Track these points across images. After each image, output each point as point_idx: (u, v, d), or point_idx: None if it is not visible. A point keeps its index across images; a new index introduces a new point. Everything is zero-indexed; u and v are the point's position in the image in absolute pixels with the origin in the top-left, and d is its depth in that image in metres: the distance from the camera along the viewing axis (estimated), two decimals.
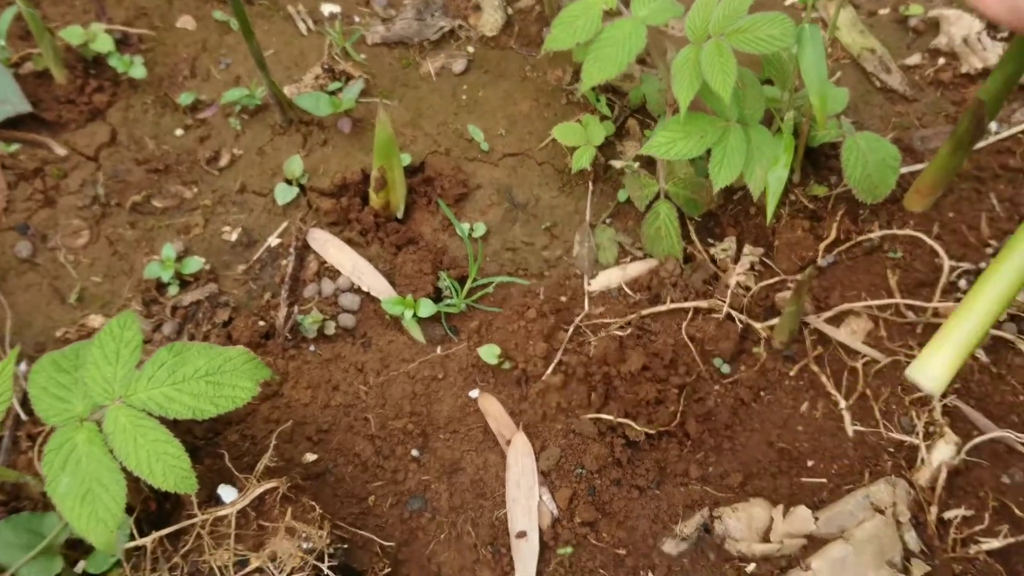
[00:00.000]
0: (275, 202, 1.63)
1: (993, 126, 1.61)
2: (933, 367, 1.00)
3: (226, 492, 1.15)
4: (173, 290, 1.53)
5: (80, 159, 1.66)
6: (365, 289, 1.52)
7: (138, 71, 1.74)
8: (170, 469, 0.97)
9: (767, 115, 1.48)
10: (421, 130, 1.72)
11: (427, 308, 1.45)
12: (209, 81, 1.79)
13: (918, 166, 1.57)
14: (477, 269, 1.50)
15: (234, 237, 1.60)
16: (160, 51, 1.82)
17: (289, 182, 1.63)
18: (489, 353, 1.41)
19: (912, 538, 1.20)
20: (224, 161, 1.69)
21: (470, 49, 1.84)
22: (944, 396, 1.34)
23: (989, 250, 1.47)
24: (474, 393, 1.42)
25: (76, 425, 1.00)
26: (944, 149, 1.40)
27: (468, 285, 1.51)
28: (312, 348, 1.48)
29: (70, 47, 1.73)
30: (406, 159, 1.64)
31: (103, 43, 1.72)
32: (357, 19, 1.89)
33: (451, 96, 1.77)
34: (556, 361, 1.41)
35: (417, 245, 1.57)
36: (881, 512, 1.19)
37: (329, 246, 1.58)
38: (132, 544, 1.08)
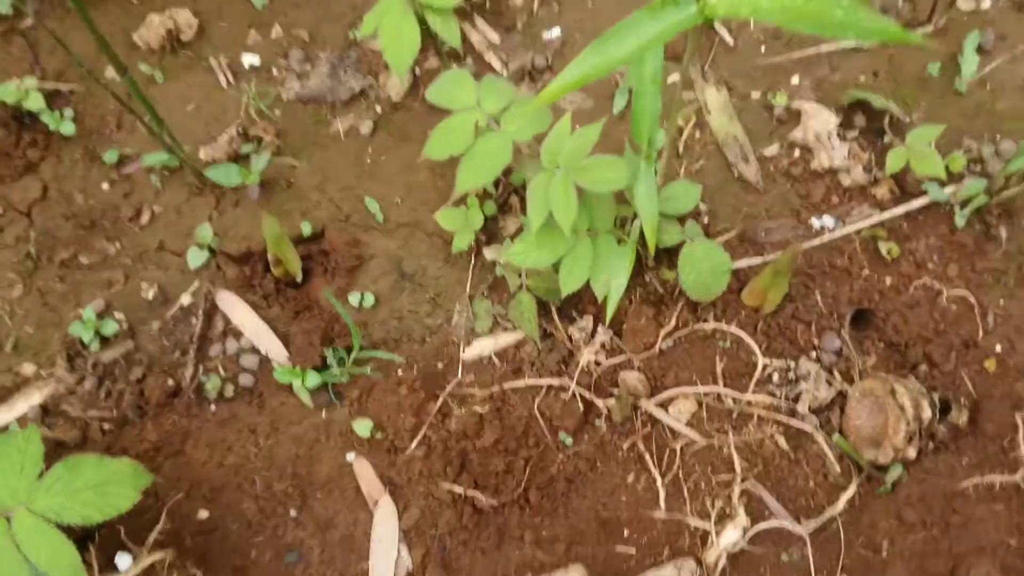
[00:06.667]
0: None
1: (830, 222, 1.80)
2: None
3: (122, 560, 1.39)
4: (95, 347, 1.74)
5: (15, 215, 1.84)
6: (263, 351, 1.74)
7: (67, 127, 1.90)
8: (65, 567, 1.21)
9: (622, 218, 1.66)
10: (326, 194, 1.89)
11: (313, 379, 1.67)
12: (134, 134, 1.94)
13: (758, 260, 1.76)
14: (360, 343, 1.71)
15: (151, 295, 1.80)
16: (90, 103, 1.97)
17: (200, 246, 1.82)
18: (363, 427, 1.64)
19: None
20: (145, 218, 1.87)
21: (377, 109, 1.99)
22: (744, 479, 1.59)
23: (810, 350, 1.70)
24: (350, 456, 1.66)
25: None
26: (766, 274, 1.60)
27: (353, 356, 1.72)
28: (213, 408, 1.70)
29: (4, 103, 1.88)
30: (307, 228, 1.82)
31: (35, 101, 1.87)
32: (275, 71, 2.03)
33: (356, 159, 1.93)
34: (421, 435, 1.65)
35: (312, 312, 1.77)
36: None
37: (236, 308, 1.78)
38: None
